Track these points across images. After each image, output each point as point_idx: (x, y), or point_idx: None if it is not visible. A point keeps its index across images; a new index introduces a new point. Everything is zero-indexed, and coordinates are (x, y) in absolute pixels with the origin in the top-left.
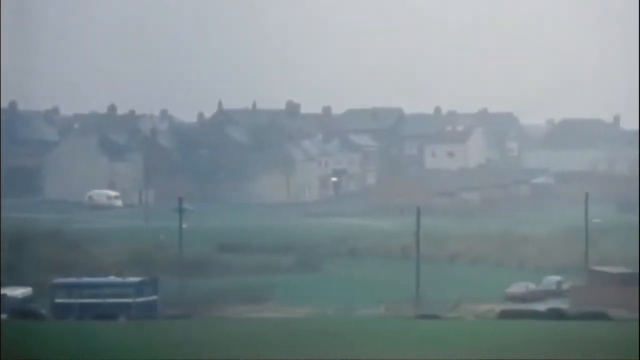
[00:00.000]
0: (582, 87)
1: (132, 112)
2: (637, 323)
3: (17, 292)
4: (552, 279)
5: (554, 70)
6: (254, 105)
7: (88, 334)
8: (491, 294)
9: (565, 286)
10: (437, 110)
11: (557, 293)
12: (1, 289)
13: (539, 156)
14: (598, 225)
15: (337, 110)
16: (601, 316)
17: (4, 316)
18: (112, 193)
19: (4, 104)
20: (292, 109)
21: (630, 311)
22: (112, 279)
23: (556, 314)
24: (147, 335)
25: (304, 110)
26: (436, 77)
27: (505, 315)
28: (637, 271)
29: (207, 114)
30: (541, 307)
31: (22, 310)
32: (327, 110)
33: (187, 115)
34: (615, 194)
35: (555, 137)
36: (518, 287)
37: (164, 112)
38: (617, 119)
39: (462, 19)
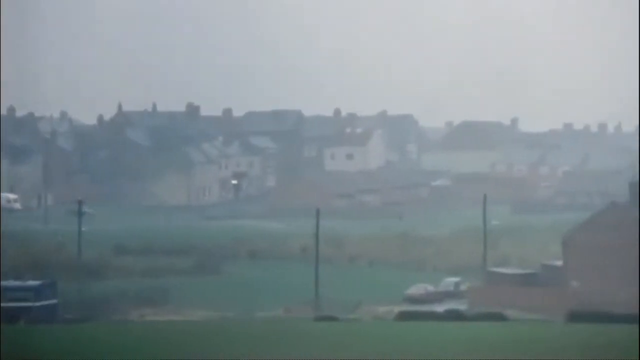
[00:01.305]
0: (482, 90)
1: (31, 114)
2: (531, 323)
3: None
4: (451, 280)
5: (454, 72)
6: (154, 107)
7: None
8: (390, 296)
9: (463, 287)
10: (337, 112)
11: (455, 294)
12: None
13: (438, 158)
14: (496, 227)
15: (237, 112)
16: (498, 317)
17: None
18: (11, 196)
19: None
20: (192, 111)
21: (527, 312)
22: (11, 282)
23: (454, 315)
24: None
25: (204, 112)
26: (336, 79)
27: (403, 316)
28: (534, 272)
29: (107, 116)
30: (439, 308)
31: None
32: (227, 112)
33: (86, 117)
34: (513, 196)
35: (454, 139)
36: (417, 289)
37: (63, 114)
38: (514, 121)
39: (362, 22)
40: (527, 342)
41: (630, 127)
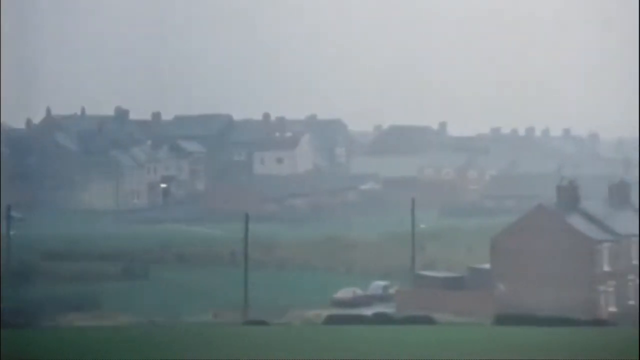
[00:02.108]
0: (411, 94)
1: None
2: (458, 326)
3: None
4: (379, 284)
5: (382, 76)
6: (83, 111)
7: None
8: (319, 300)
9: (391, 291)
10: (266, 116)
11: (383, 298)
12: None
13: (367, 162)
14: (424, 230)
15: (166, 116)
16: (426, 320)
17: None
18: None
19: None
20: (121, 114)
21: (455, 315)
22: None
23: (382, 319)
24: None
25: (132, 116)
26: (265, 83)
27: (331, 320)
28: (462, 275)
29: (36, 120)
30: (367, 311)
31: None
32: (156, 116)
33: (15, 121)
34: (441, 200)
35: (383, 143)
36: (345, 292)
37: None
38: (443, 125)
39: (291, 26)
40: (455, 344)
41: (557, 131)
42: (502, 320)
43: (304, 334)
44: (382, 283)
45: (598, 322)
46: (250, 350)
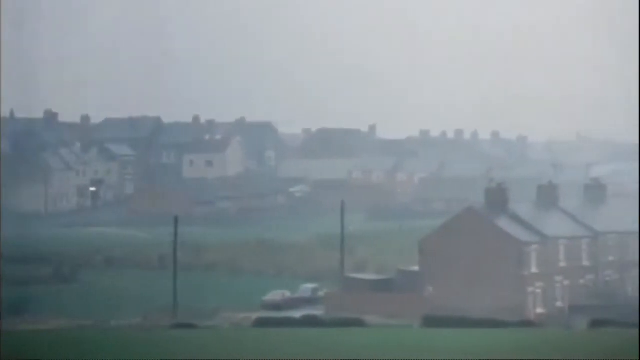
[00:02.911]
0: (341, 97)
1: None
2: (387, 328)
3: None
4: (308, 287)
5: (312, 78)
6: (12, 113)
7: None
8: (248, 302)
9: (320, 293)
10: (196, 119)
11: (312, 300)
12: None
13: (296, 165)
14: (353, 233)
15: (96, 119)
16: (355, 322)
17: None
18: None
19: None
20: (50, 117)
21: (384, 317)
22: None
23: (311, 321)
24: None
25: (61, 119)
26: (194, 85)
27: (260, 323)
28: (391, 277)
29: None
30: (297, 314)
31: None
32: (85, 119)
33: None
34: (371, 202)
35: (312, 146)
36: (274, 295)
37: None
38: (372, 128)
39: (220, 27)
40: (383, 347)
41: (486, 134)
42: (431, 322)
43: (233, 336)
44: (311, 286)
45: (526, 324)
46: (179, 353)
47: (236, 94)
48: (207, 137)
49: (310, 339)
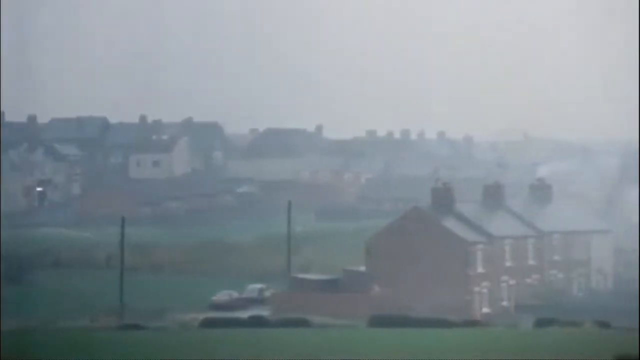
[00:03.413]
0: (288, 97)
1: None
2: (334, 328)
3: None
4: (255, 287)
5: (259, 78)
6: None
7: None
8: (195, 303)
9: (267, 293)
10: (143, 119)
11: (259, 300)
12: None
13: (243, 165)
14: (300, 233)
15: (42, 119)
16: (302, 322)
17: None
18: None
19: None
20: None
21: (330, 317)
22: None
23: (258, 321)
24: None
25: (8, 118)
26: (141, 85)
27: (207, 323)
28: (337, 277)
29: None
30: (244, 314)
31: None
32: (32, 119)
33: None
34: (317, 202)
35: (259, 146)
36: (221, 295)
37: None
38: (319, 128)
39: (168, 27)
40: (330, 347)
41: (432, 134)
42: (377, 321)
43: (180, 337)
44: (258, 286)
45: (472, 323)
46: (126, 355)
47: (183, 94)
48: (154, 137)
49: (257, 339)
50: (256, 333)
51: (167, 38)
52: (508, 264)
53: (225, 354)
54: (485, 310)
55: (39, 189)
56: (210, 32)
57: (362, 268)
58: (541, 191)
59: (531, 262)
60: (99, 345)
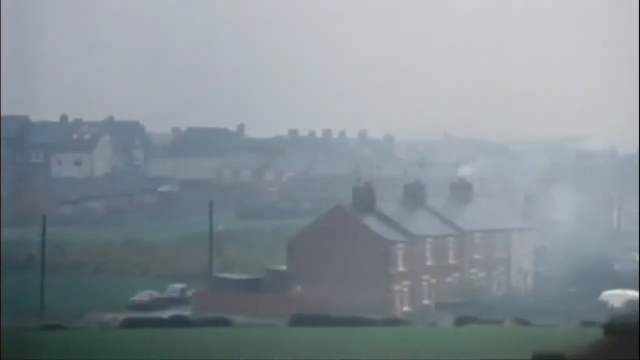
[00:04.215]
0: (211, 95)
1: None
2: (255, 328)
3: None
4: (176, 287)
5: (181, 77)
6: None
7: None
8: (116, 303)
9: (188, 293)
10: (64, 118)
11: (180, 300)
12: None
13: (164, 164)
14: (221, 232)
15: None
16: (223, 322)
17: None
18: None
19: None
20: None
21: (252, 316)
22: None
23: (179, 321)
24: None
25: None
26: (62, 84)
27: (128, 323)
28: (259, 277)
29: None
30: (165, 314)
31: None
32: None
33: None
34: (239, 201)
35: (180, 146)
36: (142, 295)
37: None
38: (241, 127)
39: (91, 27)
40: (251, 346)
41: (354, 133)
42: (298, 321)
43: (100, 337)
44: (179, 286)
45: (393, 322)
46: (47, 355)
47: (104, 93)
48: (75, 136)
49: (178, 339)
50: (177, 333)
51: (90, 37)
52: (429, 262)
53: (145, 355)
54: (406, 308)
55: None
56: (130, 31)
57: (284, 267)
58: (462, 190)
59: (452, 260)
60: (19, 346)
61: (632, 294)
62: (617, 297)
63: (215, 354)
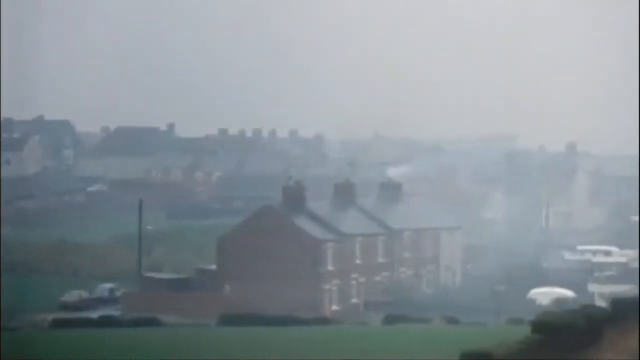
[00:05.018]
0: (140, 95)
1: None
2: (184, 327)
3: None
4: (105, 287)
5: (111, 77)
6: None
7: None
8: (45, 303)
9: (118, 293)
10: None
11: (110, 300)
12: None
13: (94, 164)
14: (151, 232)
15: None
16: (153, 322)
17: None
18: None
19: None
20: None
21: (182, 316)
22: None
23: (108, 321)
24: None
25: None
26: None
27: (57, 323)
28: (189, 276)
29: None
30: (94, 314)
31: None
32: None
33: None
34: (169, 201)
35: (110, 145)
36: (71, 296)
37: None
38: (171, 127)
39: (12, 26)
40: (180, 346)
41: (284, 132)
42: (228, 320)
43: (29, 338)
44: (108, 285)
45: (322, 320)
46: None
47: (35, 92)
48: (4, 135)
49: (107, 339)
50: (106, 333)
51: (18, 35)
52: (358, 261)
53: (74, 355)
54: (335, 307)
55: None
56: (58, 30)
57: (213, 267)
58: (391, 189)
59: (381, 259)
60: None
61: (560, 291)
62: (545, 294)
63: (144, 354)
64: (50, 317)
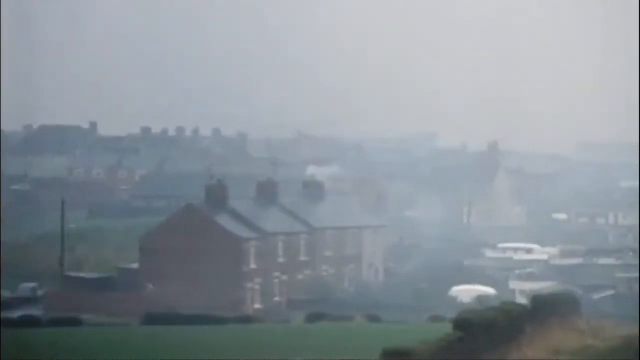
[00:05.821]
0: (65, 93)
1: None
2: (106, 327)
3: None
4: (27, 286)
5: (35, 73)
6: None
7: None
8: None
9: (39, 292)
10: None
11: (31, 300)
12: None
13: (16, 162)
14: (73, 231)
15: None
16: (75, 322)
17: None
18: None
19: None
20: None
21: (104, 315)
22: None
23: (29, 321)
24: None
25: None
26: None
27: None
28: (111, 275)
29: None
30: (15, 314)
31: None
32: None
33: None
34: (91, 200)
35: (33, 143)
36: None
37: None
38: (93, 125)
39: None
40: (102, 346)
41: (207, 131)
42: (150, 319)
43: None
44: (30, 285)
45: (244, 319)
46: None
47: None
48: None
49: (28, 339)
50: (27, 333)
51: None
52: (280, 259)
53: None
54: (258, 306)
55: None
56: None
57: (135, 266)
58: (313, 188)
59: (303, 257)
60: None
61: (481, 288)
62: (466, 292)
63: (65, 355)
64: None
